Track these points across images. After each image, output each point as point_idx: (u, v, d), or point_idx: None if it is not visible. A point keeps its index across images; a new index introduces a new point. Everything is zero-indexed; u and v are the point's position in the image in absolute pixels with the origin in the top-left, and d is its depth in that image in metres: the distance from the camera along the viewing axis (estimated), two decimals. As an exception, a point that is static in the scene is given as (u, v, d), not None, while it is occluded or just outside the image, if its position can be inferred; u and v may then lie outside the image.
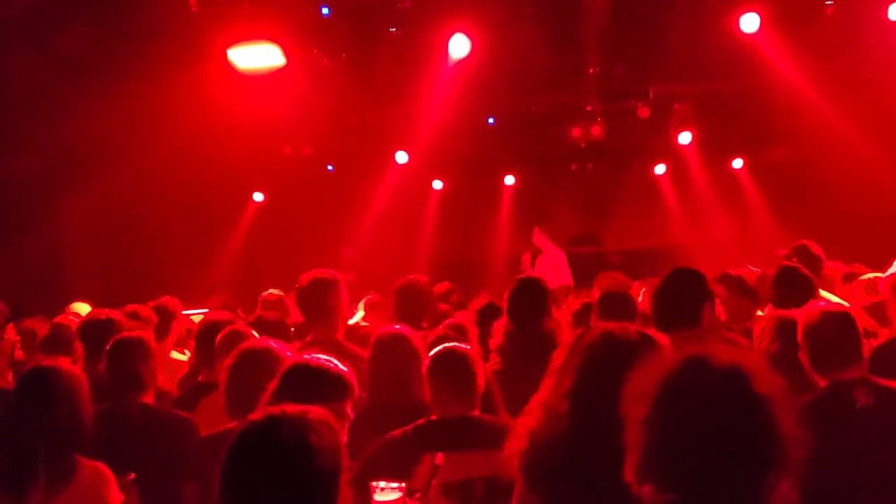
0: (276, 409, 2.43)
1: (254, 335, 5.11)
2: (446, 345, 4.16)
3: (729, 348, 2.24)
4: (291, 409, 2.42)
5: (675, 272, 4.44)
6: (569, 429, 2.79)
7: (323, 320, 5.41)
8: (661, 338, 2.95)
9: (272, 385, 3.33)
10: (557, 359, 2.96)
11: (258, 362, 3.95)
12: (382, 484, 3.24)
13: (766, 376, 2.12)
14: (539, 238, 13.14)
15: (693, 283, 4.36)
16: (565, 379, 2.87)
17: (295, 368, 3.38)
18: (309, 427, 2.35)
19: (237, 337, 5.02)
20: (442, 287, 8.92)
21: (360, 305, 8.36)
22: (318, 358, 3.42)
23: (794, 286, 5.63)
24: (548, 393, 2.92)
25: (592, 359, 2.85)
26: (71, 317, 7.44)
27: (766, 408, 2.06)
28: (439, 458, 3.68)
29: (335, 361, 3.39)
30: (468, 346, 4.25)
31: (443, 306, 7.68)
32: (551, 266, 12.43)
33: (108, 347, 4.58)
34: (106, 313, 5.87)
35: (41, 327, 7.05)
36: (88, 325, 5.67)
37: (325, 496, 2.34)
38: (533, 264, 12.74)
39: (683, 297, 4.29)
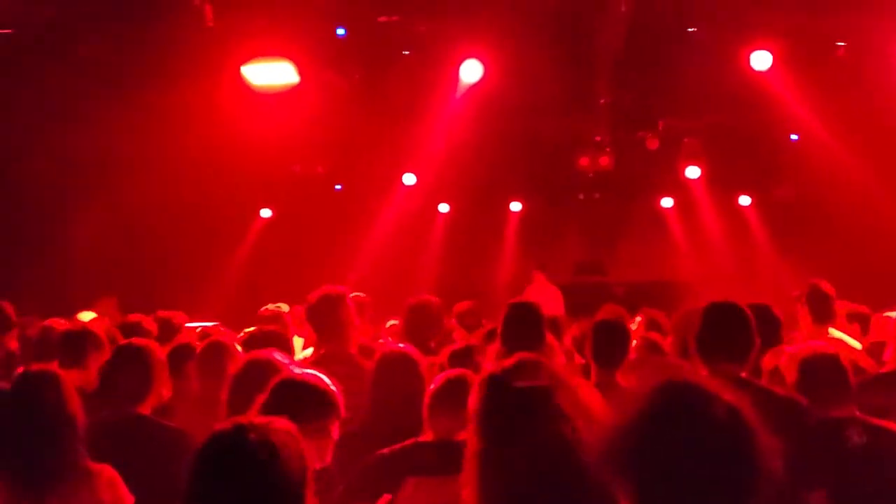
0: (243, 419, 2.46)
1: (236, 348, 5.14)
2: (456, 371, 4.15)
3: (710, 379, 2.22)
4: (257, 419, 2.46)
5: (723, 305, 4.39)
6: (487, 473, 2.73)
7: (335, 335, 5.43)
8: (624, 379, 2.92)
9: (260, 398, 3.33)
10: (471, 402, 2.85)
11: (261, 374, 3.95)
12: None
13: (748, 409, 2.11)
14: (536, 276, 13.27)
15: (741, 320, 4.32)
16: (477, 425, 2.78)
17: (282, 383, 3.38)
18: (273, 437, 2.38)
19: (220, 349, 5.05)
20: (462, 306, 8.87)
21: None
22: (308, 373, 3.42)
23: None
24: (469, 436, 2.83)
25: (496, 405, 2.75)
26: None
27: (754, 440, 2.06)
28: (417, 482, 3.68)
29: (325, 379, 3.39)
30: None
31: (449, 323, 7.67)
32: (541, 297, 12.38)
33: (110, 356, 4.59)
34: (82, 324, 5.89)
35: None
36: (68, 335, 5.69)
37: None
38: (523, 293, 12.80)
39: (728, 332, 4.27)
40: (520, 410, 2.71)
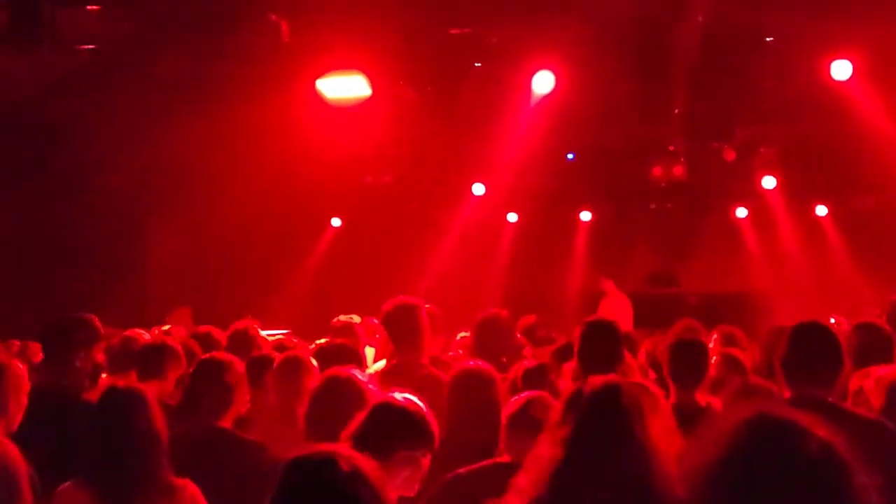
0: (331, 447, 2.44)
1: (312, 362, 5.16)
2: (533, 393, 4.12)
3: (802, 411, 2.15)
4: (344, 449, 2.45)
5: (810, 326, 4.30)
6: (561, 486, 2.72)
7: (409, 345, 5.46)
8: (658, 391, 2.90)
9: (358, 418, 3.32)
10: (554, 413, 2.88)
11: (341, 392, 3.98)
12: None
13: (843, 443, 2.04)
14: (607, 285, 13.16)
15: (829, 342, 4.21)
16: (557, 436, 2.78)
17: (383, 407, 3.36)
18: (362, 469, 2.34)
19: (297, 364, 5.08)
20: (527, 320, 8.74)
21: None
22: (410, 400, 3.38)
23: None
24: (543, 449, 2.82)
25: (583, 416, 2.77)
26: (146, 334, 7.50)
27: (849, 478, 1.99)
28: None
29: (424, 407, 3.36)
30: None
31: (519, 339, 7.60)
32: (614, 311, 12.34)
33: (192, 370, 4.67)
34: (161, 337, 6.00)
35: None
36: (146, 349, 5.80)
37: None
38: (597, 308, 12.70)
39: (815, 355, 4.16)
40: (603, 432, 2.71)
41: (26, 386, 4.15)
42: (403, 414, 3.31)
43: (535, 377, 5.05)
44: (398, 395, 3.44)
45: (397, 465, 3.16)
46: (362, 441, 3.08)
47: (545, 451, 2.79)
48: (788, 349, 4.20)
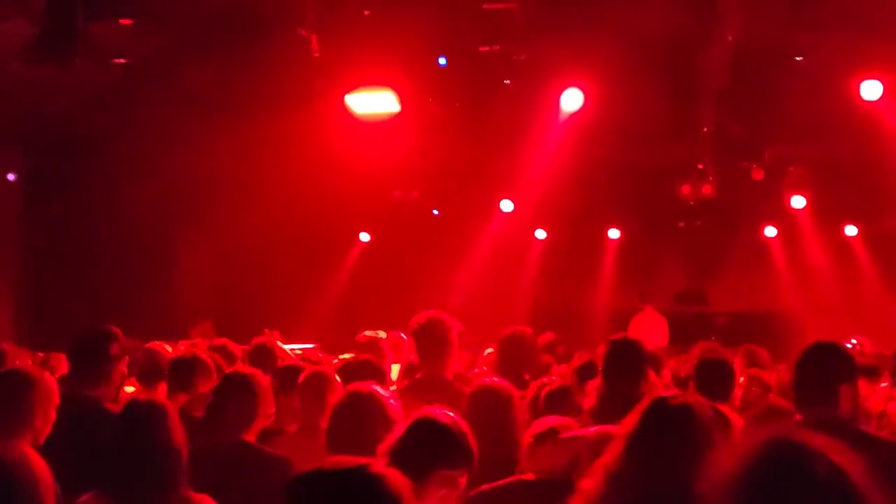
0: (355, 460, 2.29)
1: (337, 378, 5.17)
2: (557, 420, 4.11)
3: (818, 434, 2.15)
4: (366, 460, 2.33)
5: (816, 346, 4.28)
6: (631, 496, 2.77)
7: (437, 359, 5.48)
8: (734, 417, 2.91)
9: (397, 432, 3.22)
10: (627, 424, 2.93)
11: (363, 406, 3.99)
12: None
13: (858, 468, 2.03)
14: (646, 309, 13.14)
15: (834, 360, 4.20)
16: (632, 446, 2.86)
17: (424, 422, 3.23)
18: (385, 478, 2.23)
19: (322, 380, 5.09)
20: (546, 338, 8.75)
21: None
22: (449, 415, 3.27)
23: None
24: (613, 457, 2.89)
25: (662, 428, 2.84)
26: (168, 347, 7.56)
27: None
28: None
29: (464, 424, 3.26)
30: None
31: (546, 357, 7.59)
32: (648, 326, 12.32)
33: (217, 383, 4.71)
34: (191, 351, 6.05)
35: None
36: (176, 362, 5.84)
37: None
38: (626, 325, 12.70)
39: (821, 374, 4.13)
40: (674, 449, 2.79)
41: (56, 400, 4.18)
42: (445, 431, 3.18)
43: (559, 399, 5.05)
44: (437, 411, 3.30)
45: (435, 483, 3.04)
46: (400, 456, 3.00)
47: (612, 462, 2.86)
48: (793, 371, 4.22)
